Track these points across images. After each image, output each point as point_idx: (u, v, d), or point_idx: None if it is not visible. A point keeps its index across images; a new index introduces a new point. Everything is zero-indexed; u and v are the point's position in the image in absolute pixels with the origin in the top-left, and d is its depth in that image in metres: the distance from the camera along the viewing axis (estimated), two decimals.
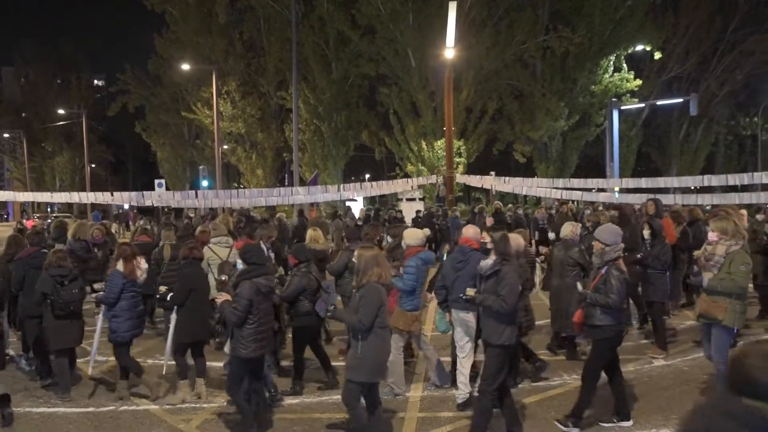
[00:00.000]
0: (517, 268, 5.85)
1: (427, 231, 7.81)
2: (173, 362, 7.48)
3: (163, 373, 7.89)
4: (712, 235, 6.52)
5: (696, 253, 6.93)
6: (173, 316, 7.41)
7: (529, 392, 7.28)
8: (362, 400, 5.64)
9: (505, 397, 5.95)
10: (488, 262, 5.93)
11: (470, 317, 6.72)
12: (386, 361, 5.62)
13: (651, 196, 13.12)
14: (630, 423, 6.20)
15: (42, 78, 59.87)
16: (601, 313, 5.96)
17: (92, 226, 12.61)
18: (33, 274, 7.81)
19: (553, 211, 16.56)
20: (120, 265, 7.32)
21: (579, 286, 6.30)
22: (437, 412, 6.77)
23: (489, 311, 5.77)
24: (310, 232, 9.90)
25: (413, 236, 7.64)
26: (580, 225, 9.22)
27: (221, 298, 6.04)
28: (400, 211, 24.19)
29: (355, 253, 5.82)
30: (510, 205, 27.55)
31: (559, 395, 7.17)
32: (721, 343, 6.34)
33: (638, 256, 9.08)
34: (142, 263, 7.60)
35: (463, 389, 6.76)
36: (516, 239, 7.28)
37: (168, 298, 7.28)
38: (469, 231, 7.18)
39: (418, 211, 23.23)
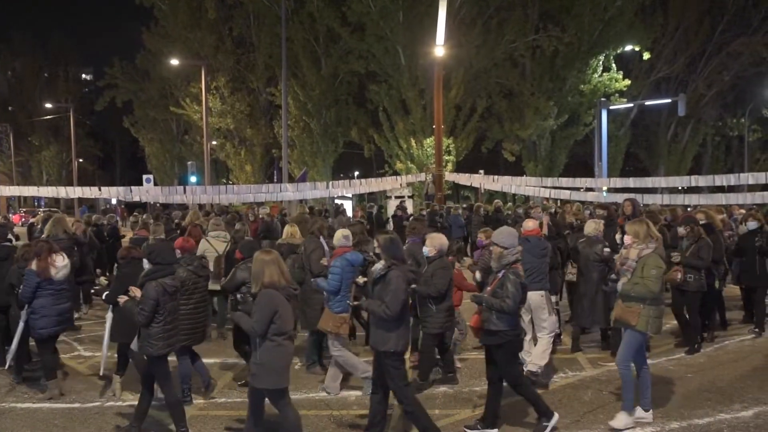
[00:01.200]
0: (406, 272, 5.68)
1: (346, 232, 7.76)
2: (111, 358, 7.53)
3: (101, 372, 7.75)
4: (627, 239, 6.45)
5: (615, 257, 6.81)
6: (109, 315, 7.34)
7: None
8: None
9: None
10: (378, 266, 5.89)
11: (536, 295, 7.46)
12: (287, 367, 5.40)
13: (631, 195, 13.10)
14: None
15: (29, 71, 59.40)
16: (497, 318, 5.83)
17: (75, 222, 12.50)
18: None
19: (552, 210, 16.34)
20: (33, 264, 7.16)
21: (477, 276, 6.21)
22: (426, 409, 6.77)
23: (375, 317, 5.76)
24: (287, 228, 9.87)
25: (338, 237, 7.62)
26: (602, 221, 9.22)
27: (123, 299, 6.00)
28: (406, 209, 23.67)
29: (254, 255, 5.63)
30: (510, 204, 27.55)
31: (547, 392, 7.20)
32: (628, 345, 6.22)
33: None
34: (58, 261, 7.31)
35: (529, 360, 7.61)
36: (440, 239, 7.26)
37: (103, 297, 7.18)
38: (530, 224, 8.02)
39: (421, 209, 22.95)
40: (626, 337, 6.26)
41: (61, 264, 7.30)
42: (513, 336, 5.94)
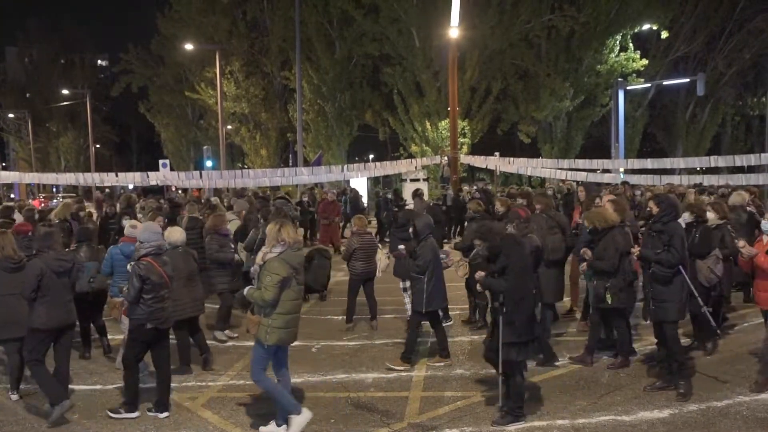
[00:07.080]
0: (51, 261, 6.24)
1: (134, 223, 8.32)
2: None
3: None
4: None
5: None
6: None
7: (535, 372, 7.31)
8: None
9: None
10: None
11: None
12: (11, 323, 6.45)
13: (657, 176, 12.91)
14: (166, 414, 6.22)
15: (46, 58, 59.74)
16: (130, 306, 6.13)
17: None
18: None
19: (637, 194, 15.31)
20: None
21: (129, 267, 6.37)
22: (441, 391, 6.82)
23: None
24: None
25: (140, 227, 7.69)
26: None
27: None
28: (485, 191, 21.73)
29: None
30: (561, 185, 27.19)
31: (563, 375, 7.22)
32: (254, 359, 5.77)
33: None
34: None
35: None
36: (167, 230, 7.53)
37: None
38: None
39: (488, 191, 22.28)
40: (252, 354, 5.88)
41: None
42: (136, 324, 6.15)
